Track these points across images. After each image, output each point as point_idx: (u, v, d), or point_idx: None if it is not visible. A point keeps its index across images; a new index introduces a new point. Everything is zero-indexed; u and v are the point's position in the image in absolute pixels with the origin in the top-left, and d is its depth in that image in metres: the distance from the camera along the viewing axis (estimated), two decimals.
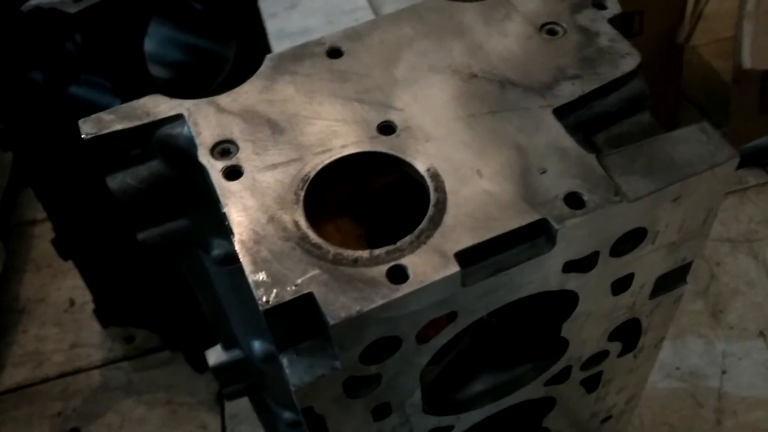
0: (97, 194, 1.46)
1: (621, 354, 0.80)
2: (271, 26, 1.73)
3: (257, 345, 0.90)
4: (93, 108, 1.30)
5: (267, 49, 1.37)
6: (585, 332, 0.72)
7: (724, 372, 1.49)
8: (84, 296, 1.84)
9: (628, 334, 0.78)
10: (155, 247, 0.76)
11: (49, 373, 1.71)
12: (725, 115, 1.85)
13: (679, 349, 1.53)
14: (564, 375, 0.78)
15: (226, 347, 0.97)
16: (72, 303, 1.87)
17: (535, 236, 0.58)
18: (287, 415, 1.05)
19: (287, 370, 0.57)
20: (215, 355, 0.96)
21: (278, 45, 1.30)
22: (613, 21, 0.71)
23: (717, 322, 1.57)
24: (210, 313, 0.91)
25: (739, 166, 0.63)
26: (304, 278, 0.55)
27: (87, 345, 1.76)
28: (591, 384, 0.83)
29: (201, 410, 1.58)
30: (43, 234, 2.08)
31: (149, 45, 1.23)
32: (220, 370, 0.96)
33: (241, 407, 1.56)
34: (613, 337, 0.76)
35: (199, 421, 1.58)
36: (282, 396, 1.01)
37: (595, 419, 0.94)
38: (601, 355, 0.78)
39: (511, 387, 0.76)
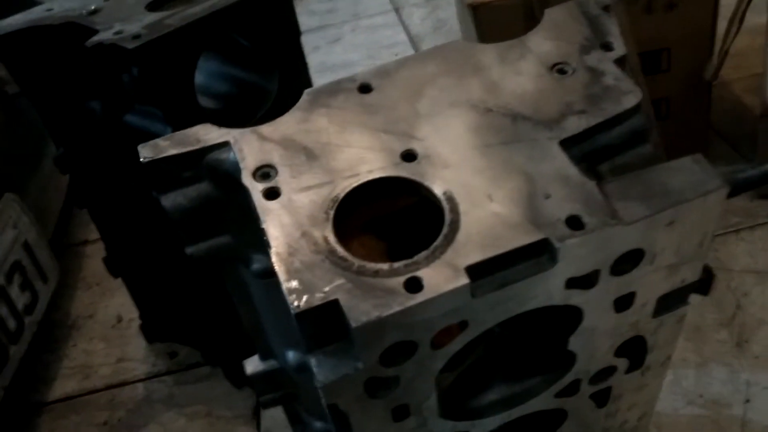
0: (147, 216, 1.56)
1: (628, 370, 0.86)
2: (314, 59, 1.80)
3: (291, 355, 0.97)
4: (146, 135, 1.41)
5: (308, 82, 1.45)
6: (591, 347, 0.78)
7: (747, 401, 1.51)
8: (130, 313, 1.93)
9: (634, 351, 0.83)
10: (201, 260, 0.84)
11: (97, 385, 1.80)
12: (755, 148, 1.88)
13: (702, 377, 1.55)
14: (573, 388, 0.83)
15: (263, 358, 1.04)
16: (119, 320, 1.97)
17: (538, 254, 0.65)
18: (318, 424, 1.11)
19: (315, 369, 0.64)
20: (253, 365, 1.04)
21: (320, 78, 1.38)
22: (619, 62, 0.78)
23: (742, 352, 1.60)
24: (249, 325, 0.99)
25: (730, 195, 0.69)
26: (331, 286, 0.63)
27: (132, 359, 1.85)
28: (601, 398, 0.89)
29: (238, 423, 1.65)
30: (94, 254, 2.18)
31: (198, 77, 1.31)
32: (256, 378, 1.04)
33: (275, 422, 1.63)
34: (619, 353, 0.82)
35: None
36: (313, 405, 1.08)
37: None
38: (609, 371, 0.84)
39: (522, 397, 0.81)
